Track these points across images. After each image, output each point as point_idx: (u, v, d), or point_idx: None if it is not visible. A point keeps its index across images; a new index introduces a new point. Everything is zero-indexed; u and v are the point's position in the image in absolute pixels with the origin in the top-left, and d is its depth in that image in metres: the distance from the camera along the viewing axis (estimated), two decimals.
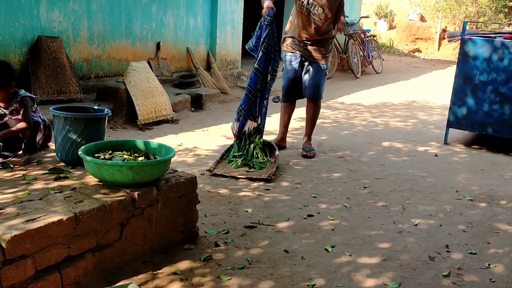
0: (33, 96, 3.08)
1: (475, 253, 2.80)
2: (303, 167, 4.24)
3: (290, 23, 4.49)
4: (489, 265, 2.67)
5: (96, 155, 2.55)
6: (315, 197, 3.56)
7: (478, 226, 3.19)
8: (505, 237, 3.04)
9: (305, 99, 4.66)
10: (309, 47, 4.39)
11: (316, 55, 4.41)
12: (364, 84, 9.24)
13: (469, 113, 4.99)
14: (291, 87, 4.58)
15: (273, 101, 7.07)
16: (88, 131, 2.70)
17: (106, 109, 2.95)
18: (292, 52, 4.48)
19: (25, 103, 2.93)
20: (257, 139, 4.29)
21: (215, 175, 3.88)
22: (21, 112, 2.88)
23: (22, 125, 2.85)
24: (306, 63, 4.47)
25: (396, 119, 6.47)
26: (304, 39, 4.37)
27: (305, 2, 4.22)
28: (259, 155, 4.17)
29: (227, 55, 7.82)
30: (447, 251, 2.81)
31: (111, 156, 2.57)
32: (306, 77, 4.51)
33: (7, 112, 2.92)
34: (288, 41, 4.50)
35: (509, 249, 2.88)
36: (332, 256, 2.69)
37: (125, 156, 2.58)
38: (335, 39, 9.93)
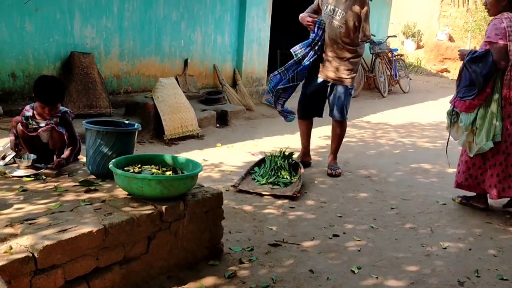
0: (70, 111, 3.16)
1: (506, 279, 2.71)
2: (329, 186, 4.21)
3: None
4: None
5: (125, 168, 2.59)
6: (340, 216, 3.52)
7: (509, 251, 3.09)
8: None
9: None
10: (334, 63, 4.33)
11: (341, 74, 4.36)
12: (391, 104, 9.17)
13: None
14: (308, 104, 4.55)
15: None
16: (118, 145, 2.76)
17: (136, 124, 3.01)
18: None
19: (68, 120, 3.01)
20: (281, 160, 4.30)
21: (240, 191, 3.89)
22: (66, 130, 2.95)
23: (72, 146, 2.95)
24: (330, 83, 4.45)
25: (424, 139, 6.38)
26: (329, 55, 4.33)
27: (327, 10, 4.24)
28: (283, 173, 4.16)
29: (253, 72, 7.89)
30: (477, 276, 2.73)
31: (140, 169, 2.61)
32: (331, 98, 4.48)
33: (42, 124, 2.99)
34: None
35: None
36: (358, 278, 2.64)
37: (153, 170, 2.61)
38: (362, 58, 9.95)
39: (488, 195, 3.75)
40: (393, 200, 3.93)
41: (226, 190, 3.90)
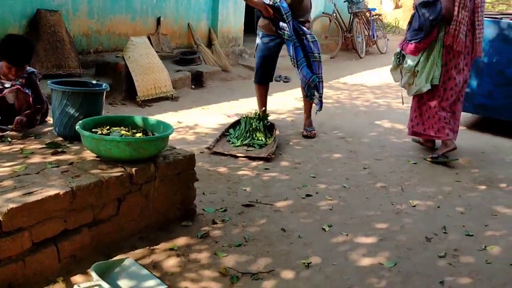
0: (37, 71, 3.04)
1: (472, 235, 2.80)
2: (303, 147, 4.22)
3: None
4: (485, 247, 2.67)
5: (93, 130, 2.53)
6: (314, 177, 3.55)
7: (477, 209, 3.18)
8: (503, 220, 3.04)
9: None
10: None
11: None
12: (368, 64, 9.14)
13: (472, 95, 4.93)
14: (267, 68, 4.48)
15: (275, 80, 7.02)
16: (85, 106, 2.68)
17: (104, 84, 2.92)
18: (269, 35, 4.37)
19: (34, 80, 2.90)
20: (256, 122, 4.26)
21: (215, 153, 3.87)
22: (32, 92, 2.86)
23: (38, 108, 2.85)
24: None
25: (399, 100, 6.40)
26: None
27: None
28: (258, 135, 4.15)
29: (229, 32, 7.71)
30: (444, 233, 2.82)
31: (109, 131, 2.55)
32: None
33: (7, 85, 2.87)
34: (265, 22, 4.35)
35: (506, 231, 2.88)
36: (329, 235, 2.69)
37: (123, 132, 2.56)
38: (339, 17, 9.80)
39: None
40: (366, 160, 3.97)
41: (201, 152, 3.88)
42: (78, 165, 2.38)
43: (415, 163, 3.98)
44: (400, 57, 4.02)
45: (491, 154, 4.37)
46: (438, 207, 3.17)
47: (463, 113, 5.27)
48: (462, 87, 4.05)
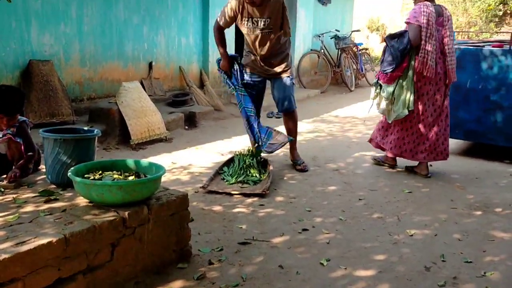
0: (28, 120, 3.07)
1: (471, 262, 2.78)
2: (298, 181, 4.23)
3: (246, 44, 4.43)
4: (485, 273, 2.65)
5: (86, 175, 2.54)
6: (309, 211, 3.54)
7: (474, 235, 3.17)
8: (501, 245, 3.03)
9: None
10: (271, 63, 4.34)
11: (278, 70, 4.36)
12: (358, 97, 9.29)
13: (462, 122, 5.01)
14: (254, 103, 4.48)
15: (267, 117, 7.11)
16: (77, 152, 2.69)
17: (96, 130, 2.95)
18: (253, 73, 4.45)
19: (24, 129, 2.92)
20: (250, 158, 4.29)
21: (209, 192, 3.87)
22: (23, 141, 2.87)
23: (29, 156, 2.86)
24: (270, 81, 4.46)
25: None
26: (262, 56, 4.30)
27: (249, 23, 4.18)
28: (252, 171, 4.16)
29: None
30: (443, 261, 2.79)
31: (101, 176, 2.56)
32: (275, 93, 4.47)
33: (0, 135, 2.90)
34: (248, 60, 4.42)
35: (504, 256, 2.86)
36: (327, 270, 2.67)
37: (115, 176, 2.57)
38: (327, 53, 10.03)
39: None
40: (361, 191, 3.98)
41: (195, 192, 3.88)
42: (71, 211, 2.37)
43: (410, 192, 3.98)
44: (378, 87, 4.33)
45: (484, 179, 4.39)
46: (435, 235, 3.16)
47: (454, 140, 5.35)
48: (441, 112, 4.26)
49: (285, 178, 4.31)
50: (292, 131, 4.54)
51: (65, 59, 5.56)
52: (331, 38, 10.08)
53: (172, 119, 5.93)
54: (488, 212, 3.57)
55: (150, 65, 6.66)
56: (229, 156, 4.72)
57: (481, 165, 4.84)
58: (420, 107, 4.21)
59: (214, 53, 7.61)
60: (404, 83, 4.18)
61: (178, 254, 2.67)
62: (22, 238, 2.04)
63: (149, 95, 5.92)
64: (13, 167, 2.85)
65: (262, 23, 4.15)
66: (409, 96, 4.18)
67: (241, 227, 3.21)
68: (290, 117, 4.51)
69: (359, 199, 3.80)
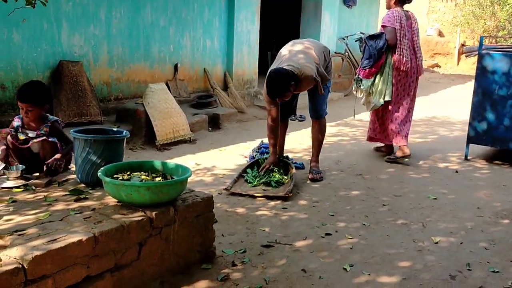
0: (59, 120, 3.16)
1: (497, 271, 2.73)
2: (321, 185, 4.22)
3: None
4: (511, 283, 2.61)
5: (115, 176, 2.60)
6: (333, 215, 3.53)
7: (501, 243, 3.12)
8: None
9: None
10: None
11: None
12: None
13: (490, 128, 4.92)
14: (283, 106, 4.40)
15: (290, 119, 7.10)
16: (107, 153, 2.76)
17: (125, 131, 3.01)
18: None
19: (58, 127, 3.03)
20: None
21: (233, 194, 3.90)
22: (58, 139, 2.99)
23: (71, 147, 2.97)
24: None
25: (415, 135, 6.41)
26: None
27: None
28: (275, 174, 4.17)
29: (244, 74, 7.91)
30: (469, 269, 2.75)
31: (129, 177, 2.62)
32: (308, 99, 4.43)
33: (31, 134, 2.99)
34: None
35: None
36: (350, 276, 2.66)
37: (143, 177, 2.62)
38: (351, 56, 9.96)
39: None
40: (385, 197, 3.95)
41: (219, 194, 3.91)
42: (100, 210, 2.43)
43: (435, 199, 3.94)
44: (359, 81, 4.95)
45: None
46: (461, 243, 3.11)
47: (481, 146, 5.27)
48: (412, 101, 5.01)
49: (308, 181, 4.31)
50: (315, 138, 4.50)
51: (94, 60, 5.69)
52: (355, 41, 10.00)
53: (196, 121, 5.99)
54: None
55: (176, 67, 6.75)
56: (253, 158, 4.75)
57: (509, 172, 4.74)
58: (399, 98, 4.89)
59: (238, 55, 7.68)
60: (382, 77, 4.83)
61: (202, 255, 2.71)
62: (53, 236, 2.10)
63: (174, 97, 6.00)
64: (44, 164, 2.92)
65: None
66: (385, 88, 4.82)
67: (264, 230, 3.23)
68: (317, 124, 4.49)
69: (383, 205, 3.77)
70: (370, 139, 5.26)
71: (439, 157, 5.25)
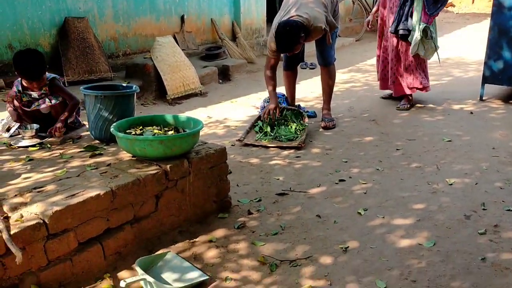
0: (58, 76, 3.13)
1: None
2: (334, 133, 4.21)
3: None
4: None
5: (127, 131, 2.62)
6: (346, 162, 3.54)
7: None
8: None
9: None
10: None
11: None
12: None
13: (506, 67, 4.78)
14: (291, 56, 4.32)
15: (301, 68, 7.00)
16: (118, 108, 2.77)
17: (135, 86, 3.00)
18: None
19: (57, 84, 3.01)
20: (286, 111, 4.26)
21: (246, 145, 3.91)
22: (61, 96, 2.98)
23: (72, 105, 2.97)
24: None
25: (430, 77, 6.26)
26: None
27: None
28: (288, 124, 4.14)
29: (252, 23, 7.72)
30: (484, 209, 2.76)
31: (142, 131, 2.63)
32: (316, 45, 4.31)
33: (35, 95, 2.98)
34: None
35: None
36: (365, 219, 2.70)
37: (155, 131, 2.63)
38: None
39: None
40: (399, 141, 3.93)
41: (232, 145, 3.93)
42: (116, 165, 2.47)
43: (449, 141, 3.90)
44: (428, 30, 4.48)
45: None
46: (476, 183, 3.11)
47: (497, 86, 5.15)
48: None
49: (320, 129, 4.29)
50: (326, 86, 4.43)
51: (99, 15, 5.59)
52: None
53: (206, 73, 5.94)
54: None
55: (182, 19, 6.60)
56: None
57: None
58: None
59: (245, 3, 7.47)
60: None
61: (218, 205, 2.76)
62: (71, 192, 2.15)
63: (182, 49, 5.92)
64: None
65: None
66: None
67: (278, 179, 3.26)
68: (326, 71, 4.39)
69: (397, 149, 3.76)
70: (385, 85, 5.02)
71: (454, 99, 5.16)
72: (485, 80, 4.97)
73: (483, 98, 5.06)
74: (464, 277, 2.15)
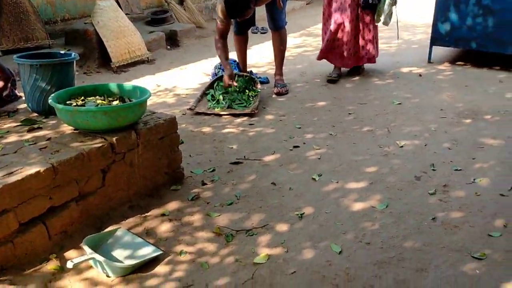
0: None
1: (460, 169, 2.82)
2: (287, 99, 4.16)
3: None
4: (474, 179, 2.70)
5: (68, 102, 2.44)
6: (300, 127, 3.51)
7: (463, 143, 3.20)
8: (490, 151, 3.06)
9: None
10: None
11: None
12: None
13: (453, 28, 4.87)
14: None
15: (252, 32, 6.85)
16: (56, 78, 2.57)
17: (74, 53, 2.79)
18: None
19: None
20: (237, 77, 4.15)
21: (197, 113, 3.80)
22: None
23: (4, 79, 2.71)
24: None
25: (380, 41, 6.30)
26: None
27: None
28: (242, 91, 4.04)
29: None
30: (433, 170, 2.83)
31: (84, 102, 2.46)
32: (266, 9, 4.19)
33: None
34: None
35: (493, 162, 2.90)
36: (319, 185, 2.69)
37: (98, 101, 2.47)
38: None
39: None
40: (351, 106, 3.94)
41: (183, 114, 3.81)
42: (57, 139, 2.30)
43: (399, 104, 3.96)
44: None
45: (474, 86, 4.36)
46: (425, 145, 3.18)
47: (445, 48, 5.26)
48: None
49: (273, 96, 4.23)
50: (277, 50, 4.34)
51: None
52: None
53: (152, 39, 5.68)
54: (477, 120, 3.58)
55: None
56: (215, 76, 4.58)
57: (470, 73, 4.79)
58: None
59: None
60: None
61: (170, 176, 2.66)
62: (9, 169, 1.99)
63: (126, 14, 5.60)
64: None
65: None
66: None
67: (232, 147, 3.19)
68: (277, 36, 4.28)
69: (349, 114, 3.77)
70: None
71: (403, 62, 5.23)
72: (433, 42, 5.05)
73: (431, 60, 5.16)
74: (415, 237, 2.20)
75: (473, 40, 4.81)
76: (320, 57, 4.60)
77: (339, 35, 4.46)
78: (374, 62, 4.68)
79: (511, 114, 3.68)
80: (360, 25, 4.47)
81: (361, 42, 4.53)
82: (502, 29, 4.63)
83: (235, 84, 3.98)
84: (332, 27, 4.43)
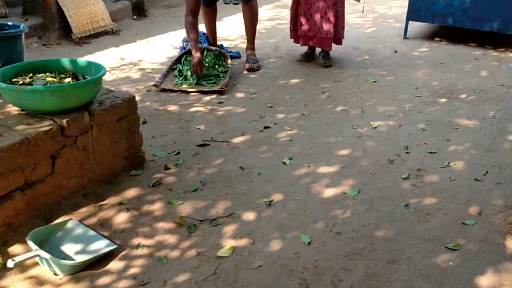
0: None
1: (435, 152, 2.73)
2: (259, 75, 3.98)
3: None
4: (448, 163, 2.61)
5: (14, 80, 2.21)
6: (271, 106, 3.35)
7: (438, 124, 3.10)
8: (465, 133, 2.98)
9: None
10: None
11: None
12: None
13: (430, 3, 4.73)
14: None
15: (224, 3, 6.58)
16: (2, 52, 2.33)
17: (23, 25, 2.54)
18: None
19: None
20: (207, 51, 3.93)
21: (163, 90, 3.58)
22: None
23: None
24: None
25: (354, 15, 6.15)
26: None
27: None
28: (209, 66, 3.84)
29: None
30: (407, 152, 2.73)
31: (32, 80, 2.23)
32: None
33: None
34: None
35: (468, 145, 2.82)
36: (290, 169, 2.56)
37: (48, 79, 2.24)
38: None
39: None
40: (325, 83, 3.79)
41: (148, 91, 3.59)
42: (1, 122, 2.08)
43: (374, 82, 3.83)
44: None
45: (450, 64, 4.27)
46: (399, 126, 3.07)
47: (420, 23, 5.13)
48: None
49: (245, 72, 4.04)
50: (248, 23, 4.11)
51: None
52: None
53: (117, 9, 5.35)
54: (453, 99, 3.49)
55: None
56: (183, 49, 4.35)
57: (446, 49, 4.69)
58: None
59: None
60: None
61: (130, 161, 2.48)
62: None
63: None
64: None
65: None
66: None
67: (199, 128, 3.01)
68: (248, 7, 4.05)
69: (322, 92, 3.62)
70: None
71: (378, 37, 5.09)
72: (410, 16, 4.91)
73: (407, 36, 5.03)
74: (388, 225, 2.11)
75: (450, 16, 4.70)
76: (295, 40, 4.27)
77: (307, 16, 4.03)
78: (339, 43, 4.19)
79: (486, 93, 3.60)
80: (332, 6, 3.94)
81: (330, 22, 3.98)
82: (479, 5, 4.52)
83: (200, 74, 3.70)
84: (302, 9, 4.04)
